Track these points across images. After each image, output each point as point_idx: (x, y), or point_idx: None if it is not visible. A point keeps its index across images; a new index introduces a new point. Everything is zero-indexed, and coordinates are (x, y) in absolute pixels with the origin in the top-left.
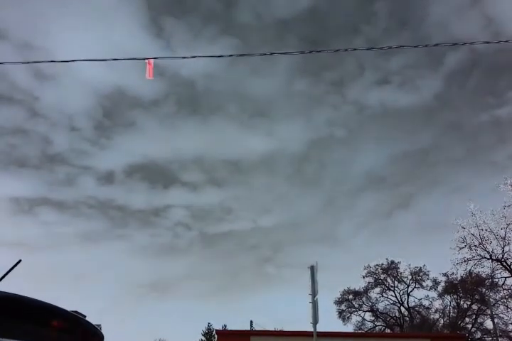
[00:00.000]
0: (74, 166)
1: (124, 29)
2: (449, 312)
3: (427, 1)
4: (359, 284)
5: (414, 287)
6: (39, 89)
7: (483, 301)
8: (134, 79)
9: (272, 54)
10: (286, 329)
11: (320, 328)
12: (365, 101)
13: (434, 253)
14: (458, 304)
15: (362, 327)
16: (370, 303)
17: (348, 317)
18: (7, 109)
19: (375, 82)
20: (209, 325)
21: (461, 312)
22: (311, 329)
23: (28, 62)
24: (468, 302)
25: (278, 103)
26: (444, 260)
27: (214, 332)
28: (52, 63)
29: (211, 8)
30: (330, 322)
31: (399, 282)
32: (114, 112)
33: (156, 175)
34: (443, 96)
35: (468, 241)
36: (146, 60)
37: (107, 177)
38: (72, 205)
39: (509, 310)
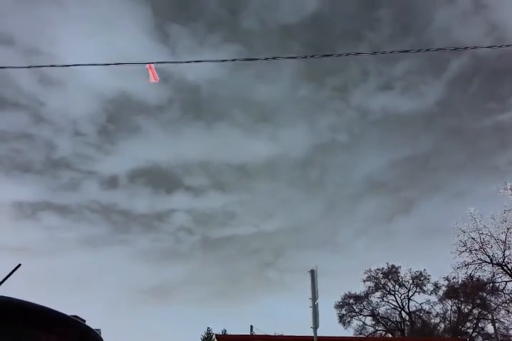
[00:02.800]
0: (78, 171)
1: (129, 35)
2: (450, 317)
3: (430, 7)
4: (360, 288)
5: (415, 291)
6: (44, 95)
7: (484, 306)
8: (138, 85)
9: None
10: (286, 334)
11: (320, 333)
12: (368, 107)
13: (435, 258)
14: (459, 308)
15: (362, 331)
16: (371, 308)
17: (348, 322)
18: (12, 114)
19: (379, 88)
20: (208, 329)
21: (462, 317)
22: (312, 334)
23: (29, 67)
24: (469, 307)
25: (282, 108)
26: (445, 264)
27: (213, 337)
28: (57, 68)
29: (216, 14)
30: (330, 326)
31: (399, 286)
32: (119, 117)
33: (160, 179)
34: (445, 101)
35: (468, 245)
36: (147, 65)
37: (111, 182)
38: (75, 210)
39: (510, 314)
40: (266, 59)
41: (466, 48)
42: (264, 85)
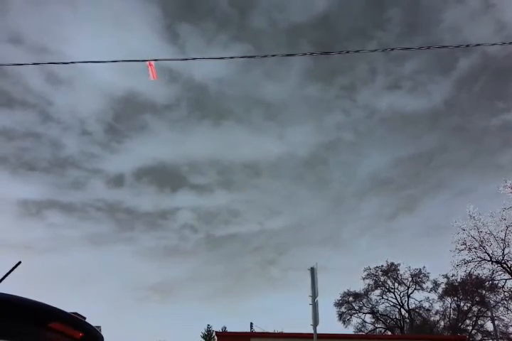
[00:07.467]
0: (84, 169)
1: (139, 35)
2: (450, 314)
3: (440, 6)
4: (360, 286)
5: (415, 289)
6: (52, 93)
7: (484, 303)
8: (145, 83)
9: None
10: (286, 331)
11: (320, 330)
12: (375, 106)
13: (437, 255)
14: (458, 306)
15: (362, 329)
16: (371, 305)
17: (348, 319)
18: (20, 113)
19: (387, 87)
20: (208, 326)
21: (462, 314)
22: (312, 331)
23: (22, 64)
24: (469, 304)
25: (289, 107)
26: (446, 262)
27: (214, 334)
28: (64, 67)
29: (226, 14)
30: (330, 324)
31: (399, 284)
32: (126, 116)
33: (165, 178)
34: (453, 100)
35: (468, 243)
36: (147, 62)
37: (117, 181)
38: (80, 208)
39: (509, 311)
40: (262, 56)
41: (467, 46)
42: (272, 84)
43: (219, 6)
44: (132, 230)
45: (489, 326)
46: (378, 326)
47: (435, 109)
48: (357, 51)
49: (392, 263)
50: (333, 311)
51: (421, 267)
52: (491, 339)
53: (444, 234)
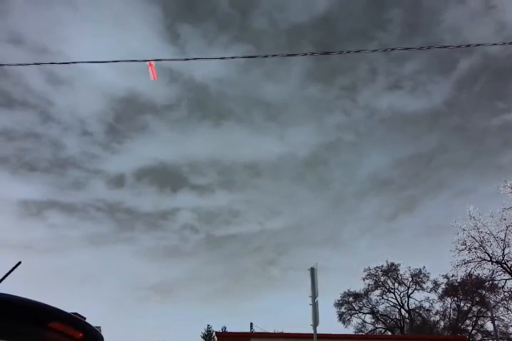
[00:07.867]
0: (85, 170)
1: (140, 35)
2: (450, 314)
3: (440, 7)
4: (360, 286)
5: (415, 289)
6: (52, 93)
7: (484, 303)
8: (146, 84)
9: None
10: (286, 331)
11: (320, 330)
12: (375, 106)
13: (437, 255)
14: (458, 306)
15: (362, 329)
16: (371, 305)
17: (348, 320)
18: (21, 113)
19: (387, 87)
20: (208, 326)
21: (462, 314)
22: (312, 332)
23: (26, 64)
24: (469, 305)
25: (290, 107)
26: (446, 262)
27: (213, 334)
28: (65, 67)
29: (227, 14)
30: (330, 324)
31: (399, 284)
32: (126, 116)
33: (166, 178)
34: (453, 100)
35: (468, 244)
36: (147, 62)
37: (117, 181)
38: (81, 208)
39: (509, 312)
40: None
41: (459, 46)
42: (272, 84)
43: (220, 7)
44: (132, 230)
45: (489, 326)
46: (378, 326)
47: (435, 109)
48: (358, 51)
49: (392, 264)
50: (333, 311)
51: (421, 267)
52: (491, 339)
53: (444, 234)
